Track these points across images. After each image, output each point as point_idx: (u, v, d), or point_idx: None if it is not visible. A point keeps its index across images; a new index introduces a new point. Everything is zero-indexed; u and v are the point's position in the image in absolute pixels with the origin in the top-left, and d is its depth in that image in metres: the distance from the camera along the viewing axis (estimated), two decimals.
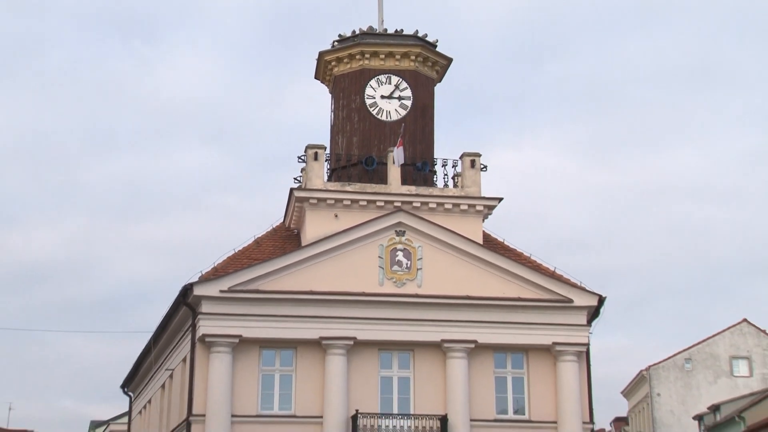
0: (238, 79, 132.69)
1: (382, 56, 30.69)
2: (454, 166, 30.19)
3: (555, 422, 28.03)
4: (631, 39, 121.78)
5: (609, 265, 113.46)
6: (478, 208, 29.29)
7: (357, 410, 26.91)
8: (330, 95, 32.44)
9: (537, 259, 29.88)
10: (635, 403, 63.05)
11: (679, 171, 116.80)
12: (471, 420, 27.48)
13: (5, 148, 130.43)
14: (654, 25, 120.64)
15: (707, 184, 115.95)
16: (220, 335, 26.97)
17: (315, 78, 32.77)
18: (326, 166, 29.80)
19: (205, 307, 27.19)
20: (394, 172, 29.13)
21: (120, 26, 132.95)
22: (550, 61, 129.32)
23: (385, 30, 31.44)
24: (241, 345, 27.19)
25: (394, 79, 30.64)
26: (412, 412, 27.46)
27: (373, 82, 30.56)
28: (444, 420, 27.10)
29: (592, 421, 28.78)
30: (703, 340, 58.87)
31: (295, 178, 30.50)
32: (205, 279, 27.47)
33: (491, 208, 29.57)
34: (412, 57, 30.74)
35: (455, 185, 29.97)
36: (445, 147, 36.68)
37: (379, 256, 28.22)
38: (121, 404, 46.87)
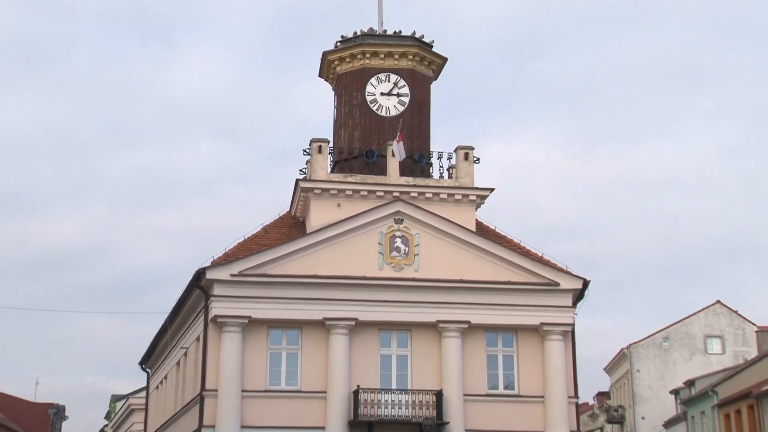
0: (247, 78, 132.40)
1: (382, 56, 30.57)
2: (449, 159, 30.13)
3: (542, 397, 28.04)
4: (614, 40, 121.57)
5: (593, 251, 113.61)
6: (472, 197, 29.23)
7: (358, 386, 26.95)
8: (333, 92, 32.31)
9: (526, 245, 29.86)
10: (617, 378, 63.13)
11: (657, 163, 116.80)
12: (464, 395, 27.50)
13: (32, 142, 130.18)
14: (634, 28, 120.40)
15: (683, 176, 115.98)
16: (230, 316, 26.96)
17: (319, 76, 32.66)
18: (329, 158, 29.73)
19: (216, 290, 27.17)
20: (393, 164, 29.05)
21: (139, 29, 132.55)
22: (539, 60, 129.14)
23: (385, 31, 31.30)
24: (251, 325, 27.17)
25: (393, 77, 30.53)
26: (409, 388, 27.47)
27: (373, 80, 30.44)
28: (439, 395, 27.11)
29: (576, 396, 28.82)
30: (680, 321, 58.95)
31: (300, 170, 30.44)
32: (217, 264, 27.43)
33: (483, 197, 29.51)
34: (410, 56, 30.62)
35: (450, 176, 29.89)
36: (441, 141, 36.63)
37: (379, 243, 28.17)
38: (140, 380, 46.90)
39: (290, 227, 29.91)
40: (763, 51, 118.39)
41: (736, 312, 58.75)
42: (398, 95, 30.43)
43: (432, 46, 31.48)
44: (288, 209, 30.94)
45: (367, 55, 30.55)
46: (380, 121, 30.15)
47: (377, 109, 30.28)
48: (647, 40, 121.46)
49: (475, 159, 29.89)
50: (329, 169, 29.46)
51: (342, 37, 31.45)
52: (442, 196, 28.99)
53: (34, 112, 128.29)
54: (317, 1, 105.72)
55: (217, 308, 27.02)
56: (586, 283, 28.72)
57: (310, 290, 27.43)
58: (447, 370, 27.54)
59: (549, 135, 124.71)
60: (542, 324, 28.19)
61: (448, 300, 27.89)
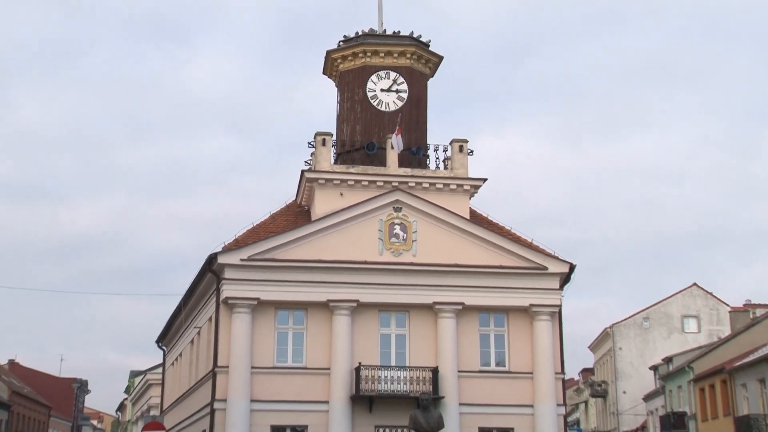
0: (256, 76, 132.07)
1: (382, 54, 30.39)
2: (444, 151, 30.00)
3: (531, 373, 27.98)
4: (598, 41, 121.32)
5: (578, 237, 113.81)
6: (466, 187, 29.10)
7: (360, 363, 26.90)
8: (336, 89, 32.13)
9: (516, 231, 29.77)
10: (600, 355, 63.24)
11: (637, 155, 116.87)
12: (458, 371, 27.44)
13: (56, 137, 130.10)
14: (617, 30, 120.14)
15: (662, 167, 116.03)
16: (240, 298, 26.89)
17: (323, 74, 32.48)
18: (333, 150, 29.58)
19: (227, 274, 27.09)
20: (392, 156, 28.91)
21: (154, 31, 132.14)
22: (529, 60, 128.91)
23: (384, 31, 31.11)
24: (259, 306, 27.09)
25: (392, 74, 30.36)
26: (407, 365, 27.42)
27: (373, 77, 30.27)
28: (435, 371, 27.06)
29: (563, 372, 28.75)
30: (659, 302, 59.06)
31: (305, 161, 30.29)
32: (228, 249, 27.33)
33: (477, 187, 29.38)
34: (408, 55, 30.44)
35: (445, 167, 29.76)
36: (437, 134, 36.66)
37: (379, 230, 28.07)
38: (156, 357, 46.97)
39: (296, 215, 29.80)
40: (738, 50, 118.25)
41: (711, 294, 58.84)
42: (397, 91, 30.27)
43: (429, 46, 31.30)
44: (294, 198, 30.81)
45: (368, 54, 30.37)
46: (380, 116, 29.99)
47: (377, 105, 30.13)
48: (629, 41, 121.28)
49: (469, 151, 29.74)
50: (332, 161, 29.33)
51: (344, 37, 31.27)
52: (438, 186, 28.87)
53: (57, 108, 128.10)
54: (321, 4, 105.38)
55: (228, 290, 26.96)
56: (572, 267, 28.64)
57: (314, 274, 27.35)
58: (442, 348, 27.48)
59: (538, 129, 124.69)
60: (531, 305, 28.11)
61: (443, 283, 27.80)
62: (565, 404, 28.77)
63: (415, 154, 29.69)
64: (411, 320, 28.03)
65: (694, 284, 59.14)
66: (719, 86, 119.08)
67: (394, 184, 28.52)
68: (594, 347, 64.94)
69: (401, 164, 29.02)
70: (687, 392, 45.75)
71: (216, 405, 26.58)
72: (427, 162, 30.12)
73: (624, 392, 57.50)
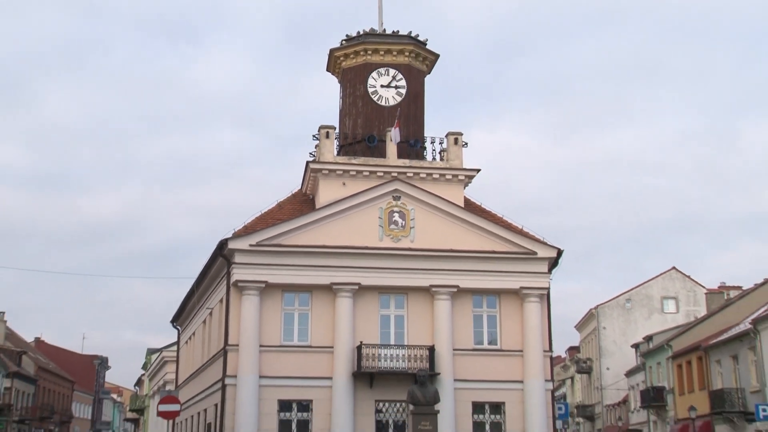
0: (263, 73, 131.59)
1: (382, 53, 30.14)
2: (440, 143, 29.78)
3: (521, 351, 27.89)
4: (585, 41, 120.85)
5: (566, 224, 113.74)
6: (460, 177, 28.93)
7: (361, 342, 26.80)
8: (339, 85, 31.89)
9: (508, 219, 29.62)
10: (585, 334, 63.22)
11: (620, 148, 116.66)
12: (453, 349, 27.36)
13: (78, 130, 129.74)
14: (603, 30, 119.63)
15: (644, 159, 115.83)
16: (249, 281, 26.77)
17: (326, 71, 32.23)
18: (336, 143, 29.37)
19: (237, 258, 26.95)
20: (391, 148, 28.72)
21: (168, 31, 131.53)
22: (520, 58, 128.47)
23: (384, 31, 30.83)
24: (267, 289, 26.97)
25: (392, 71, 30.11)
26: (405, 344, 27.32)
27: (374, 74, 30.02)
28: (432, 349, 26.97)
29: (550, 350, 28.66)
30: (640, 284, 58.99)
31: (310, 153, 30.08)
32: (238, 235, 27.19)
33: (471, 177, 29.21)
34: (406, 53, 30.18)
35: (441, 159, 29.57)
36: (433, 127, 36.31)
37: (379, 217, 27.91)
38: (171, 335, 46.89)
39: (301, 203, 29.65)
40: (714, 49, 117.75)
41: (688, 277, 58.78)
42: (396, 87, 30.03)
43: (426, 44, 31.04)
44: (299, 187, 30.64)
45: (369, 52, 30.13)
46: (380, 110, 29.77)
47: (377, 100, 29.90)
48: (614, 41, 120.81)
49: (463, 143, 29.56)
50: (335, 153, 29.13)
51: (347, 36, 31.01)
52: (434, 176, 28.69)
53: (79, 104, 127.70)
54: (324, 5, 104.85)
55: (237, 274, 26.83)
56: (560, 252, 28.51)
57: (319, 258, 27.21)
58: (438, 328, 27.37)
59: (528, 123, 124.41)
60: (521, 288, 27.99)
61: (439, 267, 27.67)
62: (552, 380, 28.70)
63: (413, 146, 29.50)
64: (409, 302, 27.91)
65: (673, 268, 59.05)
66: (698, 83, 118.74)
67: (393, 174, 28.33)
68: (580, 327, 64.94)
69: (400, 156, 28.83)
70: (666, 368, 45.74)
71: (227, 381, 26.51)
72: (424, 153, 29.91)
73: (607, 368, 57.53)
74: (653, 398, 46.04)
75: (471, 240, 28.08)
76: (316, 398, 26.66)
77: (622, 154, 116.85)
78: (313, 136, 29.49)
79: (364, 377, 26.72)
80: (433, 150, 29.76)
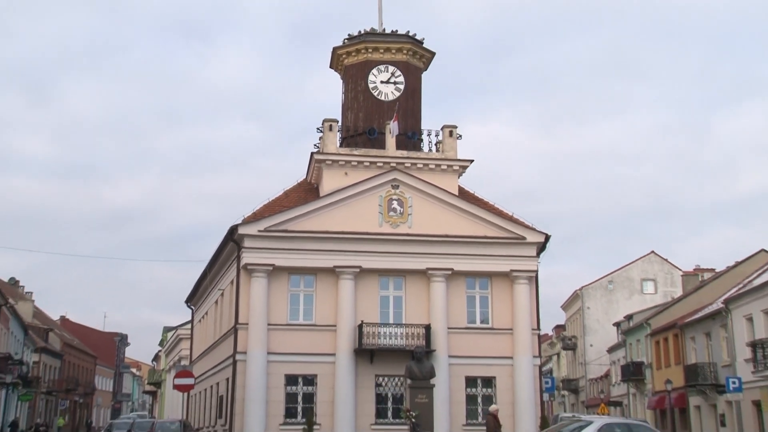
0: (271, 70, 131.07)
1: (382, 51, 29.86)
2: (436, 135, 29.56)
3: (511, 329, 27.80)
4: (568, 40, 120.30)
5: (553, 211, 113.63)
6: (455, 167, 28.73)
7: (362, 321, 26.71)
8: (341, 81, 31.58)
9: (499, 206, 29.44)
10: (571, 314, 63.16)
11: (603, 140, 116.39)
12: (448, 328, 27.27)
13: (101, 123, 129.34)
14: (584, 30, 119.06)
15: (624, 150, 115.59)
16: (258, 264, 26.62)
17: (330, 68, 31.92)
18: (338, 135, 29.14)
19: (247, 243, 26.80)
20: (390, 140, 28.51)
21: (184, 31, 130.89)
22: (510, 56, 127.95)
23: (384, 30, 30.52)
24: (274, 272, 26.84)
25: (391, 68, 29.83)
26: (403, 322, 27.23)
27: (374, 71, 29.75)
28: (428, 328, 26.88)
29: (538, 328, 28.58)
30: (621, 267, 58.82)
31: (314, 145, 29.86)
32: (247, 221, 27.02)
33: (464, 167, 29.00)
34: (405, 51, 29.90)
35: (437, 150, 29.36)
36: (430, 121, 36.14)
37: (379, 204, 27.74)
38: (186, 314, 46.81)
39: (306, 192, 29.45)
40: (687, 48, 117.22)
41: (666, 260, 58.62)
42: (395, 83, 29.77)
43: (423, 43, 30.74)
44: (304, 177, 30.42)
45: (370, 50, 29.84)
46: (380, 105, 29.52)
47: (377, 95, 29.64)
48: (596, 40, 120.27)
49: (457, 136, 29.34)
50: (338, 144, 28.90)
51: (349, 35, 30.70)
52: (430, 166, 28.49)
53: (102, 99, 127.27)
54: (328, 6, 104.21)
55: (247, 257, 26.69)
56: (547, 238, 28.36)
57: (322, 243, 27.05)
58: (434, 308, 27.26)
59: (517, 117, 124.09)
60: (512, 271, 27.85)
61: (435, 251, 27.52)
62: (540, 356, 28.62)
63: (410, 138, 29.28)
64: (407, 284, 27.77)
65: (652, 252, 58.88)
66: (674, 80, 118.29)
67: (392, 164, 28.13)
68: (565, 307, 64.88)
69: (398, 147, 28.62)
70: (644, 345, 45.69)
71: (237, 357, 26.43)
72: (421, 145, 29.68)
73: (591, 345, 57.48)
74: (633, 372, 46.02)
75: (464, 226, 27.91)
76: (320, 373, 26.59)
77: (604, 146, 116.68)
78: (318, 128, 29.27)
79: (365, 353, 26.63)
80: (429, 142, 29.57)
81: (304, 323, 27.08)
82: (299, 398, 26.53)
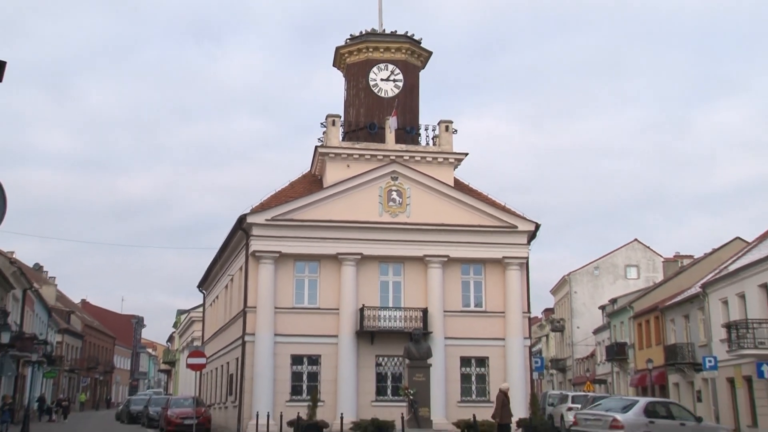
0: (278, 68, 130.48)
1: (382, 50, 29.60)
2: (433, 130, 29.35)
3: (503, 312, 27.70)
4: (558, 40, 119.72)
5: (542, 201, 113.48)
6: (451, 160, 28.55)
7: (363, 304, 26.61)
8: (344, 78, 31.34)
9: (492, 197, 29.27)
10: (559, 298, 63.10)
11: (590, 135, 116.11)
12: (444, 311, 27.16)
13: (117, 119, 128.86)
14: (573, 31, 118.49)
15: (610, 144, 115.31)
16: (265, 251, 26.48)
17: (333, 66, 31.67)
18: (341, 130, 28.94)
19: (255, 231, 26.65)
20: (390, 134, 28.31)
21: (195, 32, 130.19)
22: (502, 55, 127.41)
23: (384, 31, 30.26)
24: (281, 258, 26.70)
25: (390, 66, 29.59)
26: (402, 306, 27.10)
27: (374, 69, 29.51)
28: (425, 311, 26.78)
29: (529, 311, 28.47)
30: (607, 254, 58.70)
31: (318, 139, 29.65)
32: (255, 211, 26.86)
33: (460, 160, 28.81)
34: (403, 51, 29.65)
35: (434, 144, 29.15)
36: (427, 116, 35.95)
37: (379, 195, 27.56)
38: (198, 298, 46.69)
39: (311, 183, 29.28)
40: (670, 48, 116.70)
41: (648, 247, 58.49)
42: (394, 81, 29.53)
43: (420, 43, 30.48)
44: (309, 169, 30.24)
45: (370, 50, 29.58)
46: (380, 101, 29.30)
47: (378, 92, 29.41)
48: (583, 40, 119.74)
49: (453, 130, 29.13)
50: (341, 138, 28.71)
51: (351, 35, 30.44)
52: (428, 159, 28.30)
53: (119, 96, 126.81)
54: (331, 8, 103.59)
55: (255, 245, 26.54)
56: (537, 226, 28.20)
57: (326, 231, 26.90)
58: (431, 292, 27.15)
59: (509, 112, 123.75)
60: (504, 257, 27.72)
61: (432, 239, 27.37)
62: (530, 337, 28.52)
63: (409, 133, 29.07)
64: (405, 270, 27.64)
65: (635, 240, 58.75)
66: (656, 78, 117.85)
67: (391, 157, 27.93)
68: (554, 291, 64.82)
69: (397, 141, 28.43)
70: (628, 326, 45.65)
71: (246, 338, 26.33)
72: (419, 139, 29.48)
73: (578, 327, 57.45)
74: (617, 352, 46.01)
75: (460, 215, 27.76)
76: (324, 353, 26.50)
77: (591, 140, 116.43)
78: (321, 123, 29.06)
79: (366, 335, 26.54)
80: (427, 136, 29.35)
81: (309, 307, 26.97)
82: (304, 377, 26.45)
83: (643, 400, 18.20)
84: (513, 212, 28.37)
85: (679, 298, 37.71)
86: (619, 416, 16.47)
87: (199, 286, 41.28)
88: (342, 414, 23.79)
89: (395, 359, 26.63)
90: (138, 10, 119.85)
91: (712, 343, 32.37)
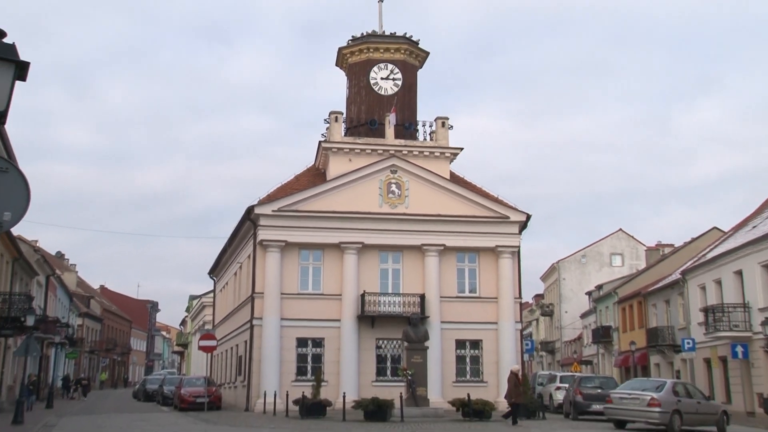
0: (284, 68, 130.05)
1: (382, 50, 29.38)
2: (430, 126, 29.17)
3: (496, 298, 27.64)
4: (549, 42, 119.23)
5: (533, 193, 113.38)
6: (447, 154, 28.39)
7: (364, 290, 26.54)
8: (346, 77, 31.13)
9: (486, 189, 29.14)
10: (549, 284, 63.07)
11: (578, 131, 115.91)
12: (440, 297, 27.10)
13: (134, 115, 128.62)
14: (561, 33, 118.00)
15: (597, 140, 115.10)
16: (272, 240, 26.38)
17: (335, 65, 31.45)
18: (343, 126, 28.78)
19: (262, 222, 26.54)
20: (389, 130, 28.14)
21: (206, 34, 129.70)
22: (496, 56, 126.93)
23: (384, 32, 30.02)
24: (287, 247, 26.60)
25: (390, 66, 29.39)
26: (401, 292, 27.04)
27: (375, 68, 29.30)
28: (423, 297, 26.72)
29: (520, 297, 28.41)
30: (593, 243, 58.61)
31: (322, 134, 29.47)
32: (262, 202, 26.75)
33: (455, 154, 28.66)
34: (402, 51, 29.43)
35: (431, 139, 28.98)
36: (424, 113, 35.67)
37: (379, 187, 27.43)
38: (209, 285, 46.62)
39: (315, 176, 29.13)
40: (651, 48, 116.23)
41: (632, 237, 58.39)
42: (393, 80, 29.33)
43: (418, 44, 30.25)
44: (313, 163, 30.08)
45: (371, 50, 29.36)
46: (380, 99, 29.11)
47: (378, 90, 29.22)
48: (570, 41, 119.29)
49: (449, 126, 28.97)
50: (343, 134, 28.55)
51: (352, 36, 30.21)
52: (425, 153, 28.15)
53: (135, 93, 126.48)
54: (334, 10, 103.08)
55: (262, 234, 26.44)
56: (528, 217, 28.11)
57: (329, 222, 26.79)
58: (428, 279, 27.07)
59: (502, 110, 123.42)
60: (497, 246, 27.63)
61: (429, 229, 27.27)
62: (521, 321, 28.50)
63: (407, 129, 28.91)
64: (404, 258, 27.55)
65: (620, 229, 58.64)
66: (639, 77, 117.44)
67: (391, 152, 27.78)
68: (544, 278, 64.78)
69: (397, 136, 28.26)
70: (612, 311, 45.62)
71: (254, 322, 26.28)
72: (417, 135, 29.32)
73: (566, 312, 57.43)
74: (602, 335, 46.02)
75: (455, 206, 27.65)
76: (327, 336, 26.45)
77: (579, 136, 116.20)
78: (325, 120, 28.88)
79: (367, 319, 26.48)
80: (424, 132, 29.21)
81: (313, 293, 26.89)
82: (309, 358, 26.41)
83: (669, 382, 19.07)
84: (505, 204, 28.25)
85: (660, 284, 37.68)
86: (656, 395, 17.62)
87: (210, 273, 41.21)
88: (344, 393, 23.68)
89: (394, 342, 26.57)
90: (154, 14, 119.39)
91: (690, 326, 32.37)
